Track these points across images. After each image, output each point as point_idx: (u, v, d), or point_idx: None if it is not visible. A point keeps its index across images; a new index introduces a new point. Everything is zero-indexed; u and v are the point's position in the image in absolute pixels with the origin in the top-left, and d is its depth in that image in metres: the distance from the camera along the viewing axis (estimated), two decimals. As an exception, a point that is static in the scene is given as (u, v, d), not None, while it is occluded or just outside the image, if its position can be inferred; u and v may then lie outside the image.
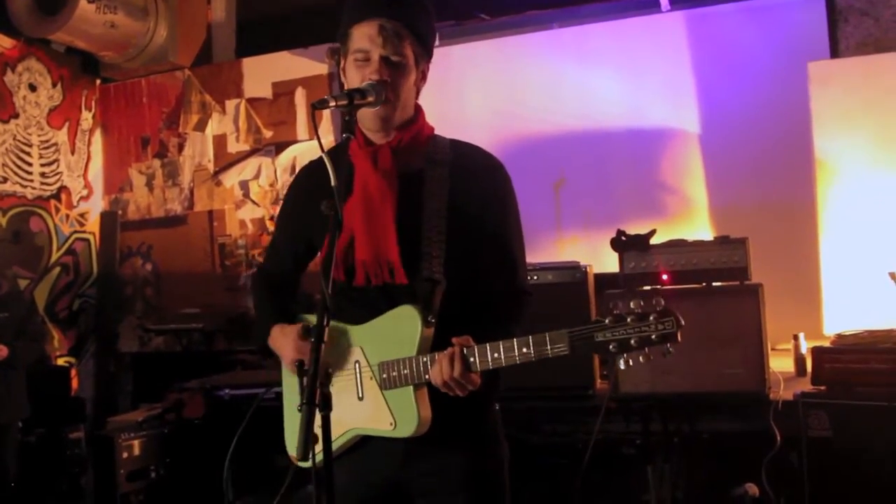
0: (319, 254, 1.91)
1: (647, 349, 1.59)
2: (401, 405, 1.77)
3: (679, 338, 1.57)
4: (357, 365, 1.84)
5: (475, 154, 1.95)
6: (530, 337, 1.67)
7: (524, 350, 1.67)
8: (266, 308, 2.02)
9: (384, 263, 1.80)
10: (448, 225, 1.81)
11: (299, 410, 1.43)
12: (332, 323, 1.80)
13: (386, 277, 1.81)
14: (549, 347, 1.66)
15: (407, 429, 1.76)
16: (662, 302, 1.60)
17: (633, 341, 1.59)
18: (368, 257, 1.80)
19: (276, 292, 2.04)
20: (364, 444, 1.84)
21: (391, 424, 1.78)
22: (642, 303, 1.61)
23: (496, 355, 1.69)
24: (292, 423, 1.98)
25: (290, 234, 2.02)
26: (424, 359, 1.74)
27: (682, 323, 1.58)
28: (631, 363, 1.62)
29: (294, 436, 1.92)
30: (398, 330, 1.79)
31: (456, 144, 1.94)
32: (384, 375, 1.79)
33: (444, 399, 1.76)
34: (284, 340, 1.88)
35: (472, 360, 1.70)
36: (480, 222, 1.87)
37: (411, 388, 1.76)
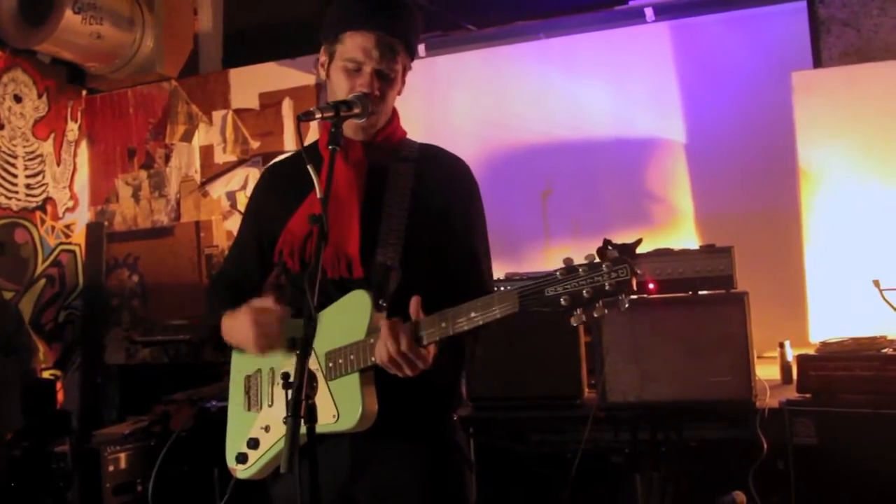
0: (279, 242, 1.86)
1: (600, 301, 1.47)
2: (345, 395, 1.69)
3: (634, 285, 1.45)
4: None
5: (442, 154, 1.95)
6: (478, 300, 1.58)
7: (472, 314, 1.58)
8: (218, 304, 1.91)
9: (342, 256, 1.77)
10: (409, 216, 1.79)
11: (284, 423, 1.40)
12: (289, 308, 1.77)
13: (343, 271, 1.77)
14: (497, 308, 1.56)
15: (350, 419, 1.67)
16: (616, 253, 1.49)
17: (585, 292, 1.46)
18: (327, 249, 1.73)
19: (232, 291, 1.94)
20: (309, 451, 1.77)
21: (334, 416, 1.69)
22: (596, 254, 1.50)
23: (444, 324, 1.60)
24: (235, 426, 1.90)
25: (256, 231, 1.97)
26: (371, 340, 1.66)
27: (638, 271, 1.46)
28: (584, 319, 1.49)
29: (235, 443, 1.87)
30: (348, 316, 1.73)
31: (425, 146, 1.95)
32: (330, 364, 1.71)
33: (397, 403, 1.70)
34: (237, 323, 1.78)
35: (420, 333, 1.62)
36: (443, 218, 1.84)
37: (357, 375, 1.68)
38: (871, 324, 3.26)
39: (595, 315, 1.48)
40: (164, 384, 4.69)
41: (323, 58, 1.87)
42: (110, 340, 5.78)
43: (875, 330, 3.23)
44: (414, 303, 1.65)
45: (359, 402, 1.67)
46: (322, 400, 1.68)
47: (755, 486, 3.14)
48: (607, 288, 1.45)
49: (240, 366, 1.92)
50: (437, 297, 1.71)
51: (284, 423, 1.40)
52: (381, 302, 1.71)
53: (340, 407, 1.69)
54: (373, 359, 1.65)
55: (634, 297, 3.37)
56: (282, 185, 1.92)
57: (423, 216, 1.81)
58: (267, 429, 1.82)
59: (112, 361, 5.73)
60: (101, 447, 4.18)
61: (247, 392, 1.89)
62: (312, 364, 1.72)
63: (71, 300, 5.76)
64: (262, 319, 1.75)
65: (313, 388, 1.46)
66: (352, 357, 1.69)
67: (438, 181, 1.87)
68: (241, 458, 1.85)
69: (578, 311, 1.48)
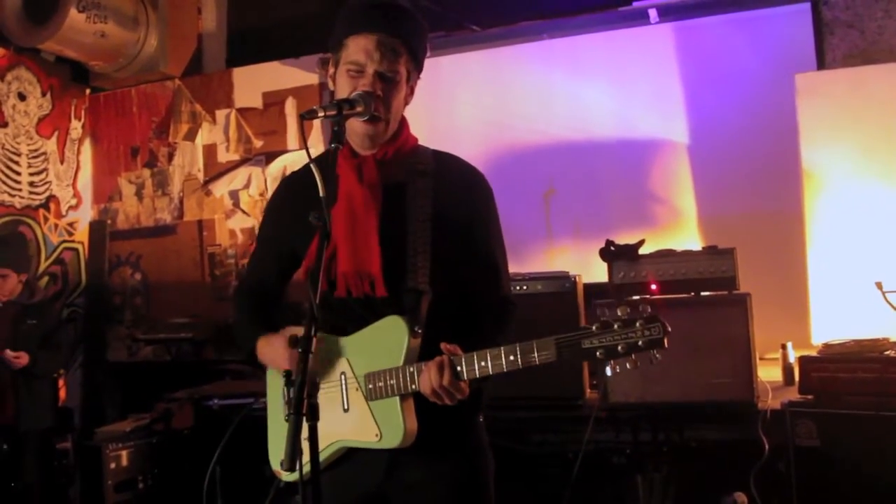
0: (304, 263, 1.88)
1: (633, 355, 1.59)
2: (387, 416, 1.76)
3: (666, 344, 1.57)
4: (343, 376, 1.82)
5: (458, 165, 1.96)
6: (517, 345, 1.67)
7: (511, 358, 1.67)
8: (250, 320, 1.99)
9: (364, 276, 1.80)
10: (433, 235, 1.82)
11: (286, 420, 1.42)
12: (319, 334, 1.81)
13: (366, 290, 1.80)
14: (535, 355, 1.65)
15: (392, 440, 1.75)
16: (649, 309, 1.60)
17: (620, 347, 1.59)
18: (349, 269, 1.79)
19: (259, 304, 2.01)
20: (348, 457, 1.82)
21: (377, 436, 1.76)
22: (629, 309, 1.61)
23: (483, 363, 1.69)
24: (277, 436, 1.95)
25: (275, 244, 2.00)
26: (411, 369, 1.74)
27: (669, 329, 1.58)
28: (618, 370, 1.62)
29: (279, 449, 1.91)
30: (385, 340, 1.78)
31: (439, 155, 1.95)
32: (370, 386, 1.78)
33: (429, 410, 1.75)
34: (274, 353, 1.86)
35: (458, 368, 1.70)
36: (464, 232, 1.87)
37: (397, 398, 1.75)
38: (873, 326, 3.26)
39: (628, 366, 1.61)
40: (166, 382, 4.70)
41: (331, 69, 1.89)
42: (112, 338, 5.78)
43: (877, 332, 3.22)
44: (444, 346, 1.72)
45: (401, 423, 1.74)
46: (364, 419, 1.77)
47: (756, 487, 3.14)
48: (640, 344, 1.58)
49: (277, 376, 1.95)
50: (461, 310, 1.80)
51: (286, 420, 1.42)
52: (416, 329, 1.76)
53: (383, 427, 1.76)
54: (413, 387, 1.73)
55: (636, 297, 3.39)
56: (296, 200, 1.92)
57: (446, 234, 1.84)
58: None
59: (114, 359, 5.74)
60: (102, 444, 4.19)
61: (286, 402, 1.91)
62: (352, 384, 1.80)
63: (73, 298, 5.77)
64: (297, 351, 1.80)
65: (315, 387, 1.47)
66: (392, 382, 1.75)
67: (458, 195, 1.89)
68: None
69: (612, 362, 1.61)
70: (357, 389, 1.79)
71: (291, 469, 1.39)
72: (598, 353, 1.60)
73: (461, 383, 1.70)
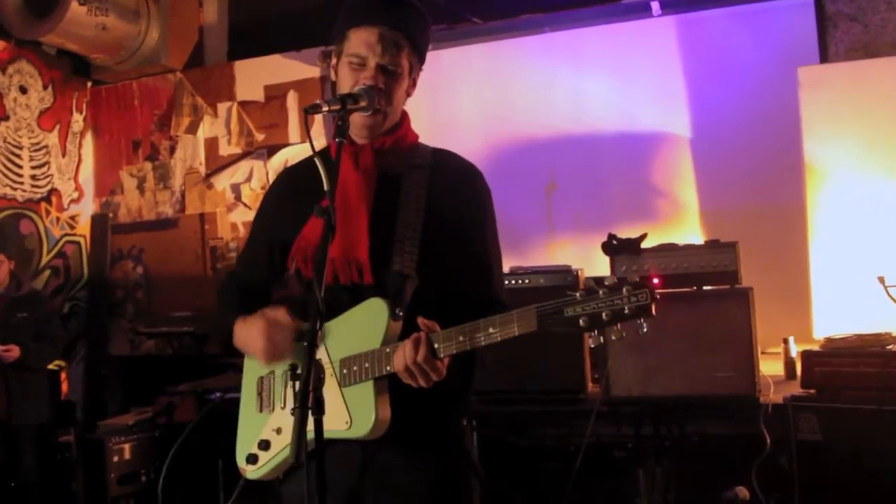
0: (291, 252, 1.85)
1: (618, 325, 1.48)
2: (358, 402, 1.70)
3: (653, 311, 1.46)
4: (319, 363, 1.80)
5: (456, 161, 1.95)
6: (496, 317, 1.60)
7: (490, 330, 1.59)
8: (230, 308, 1.93)
9: (353, 262, 1.77)
10: (424, 225, 1.79)
11: (292, 414, 1.41)
12: (301, 321, 1.77)
13: (354, 277, 1.77)
14: (515, 325, 1.57)
15: (362, 427, 1.68)
16: (637, 277, 1.51)
17: (604, 315, 1.48)
18: (338, 255, 1.77)
19: (243, 295, 1.96)
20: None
21: (346, 423, 1.69)
22: (616, 278, 1.52)
23: (461, 338, 1.62)
24: (247, 429, 1.90)
25: (268, 235, 1.98)
26: (387, 349, 1.68)
27: (657, 296, 1.47)
28: (602, 340, 1.51)
29: (246, 443, 1.87)
30: (364, 324, 1.73)
31: (438, 151, 1.94)
32: (344, 371, 1.72)
33: (408, 405, 1.70)
34: (249, 331, 1.81)
35: (436, 345, 1.63)
36: (457, 227, 1.84)
37: (371, 384, 1.69)
38: (875, 320, 3.26)
39: (613, 337, 1.50)
40: (168, 376, 4.71)
41: (333, 60, 1.88)
42: (114, 332, 5.79)
43: (880, 326, 3.23)
44: (422, 320, 1.66)
45: (372, 411, 1.67)
46: (335, 406, 1.69)
47: (758, 481, 3.15)
48: (626, 312, 1.47)
49: (253, 367, 1.92)
50: (448, 305, 1.74)
51: (292, 413, 1.40)
52: (397, 311, 1.72)
53: (354, 414, 1.69)
54: (388, 368, 1.67)
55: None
56: (295, 191, 1.91)
57: (437, 225, 1.81)
58: (279, 431, 1.82)
59: (116, 353, 5.74)
60: (105, 438, 4.21)
61: (259, 393, 1.90)
62: (327, 370, 1.73)
63: (75, 291, 5.78)
64: (274, 331, 1.77)
65: (320, 380, 1.46)
66: (367, 365, 1.70)
67: (452, 189, 1.87)
68: (252, 459, 1.85)
69: (596, 332, 1.50)
70: (331, 375, 1.73)
71: (298, 461, 1.37)
72: (580, 322, 1.49)
73: (438, 363, 1.63)
